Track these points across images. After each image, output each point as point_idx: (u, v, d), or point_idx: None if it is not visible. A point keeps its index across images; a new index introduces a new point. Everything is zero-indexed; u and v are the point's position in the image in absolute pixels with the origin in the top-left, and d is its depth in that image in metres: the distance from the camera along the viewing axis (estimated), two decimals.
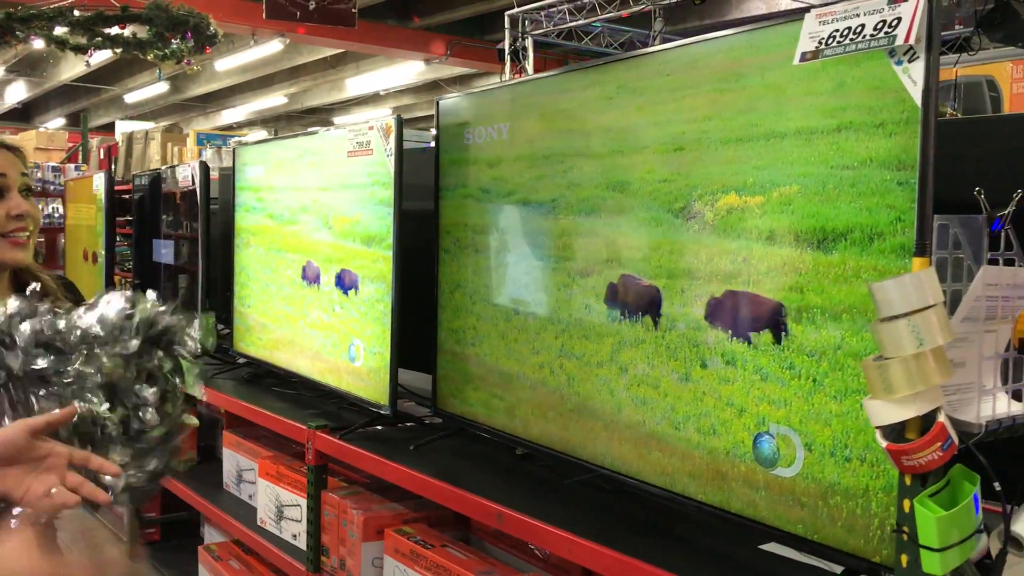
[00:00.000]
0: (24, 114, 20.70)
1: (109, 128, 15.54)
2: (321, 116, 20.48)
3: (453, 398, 2.58)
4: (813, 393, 1.58)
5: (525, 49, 8.49)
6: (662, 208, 1.87)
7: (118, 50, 6.76)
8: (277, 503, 3.12)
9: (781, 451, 1.64)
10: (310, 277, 3.20)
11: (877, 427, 1.35)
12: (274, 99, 18.87)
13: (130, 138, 10.59)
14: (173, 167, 4.52)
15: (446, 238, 2.60)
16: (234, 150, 3.93)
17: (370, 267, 2.79)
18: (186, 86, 17.66)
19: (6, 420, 1.32)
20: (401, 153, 2.64)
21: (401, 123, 2.63)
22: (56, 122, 20.23)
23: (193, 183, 4.01)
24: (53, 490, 1.26)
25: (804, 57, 1.58)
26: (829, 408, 1.55)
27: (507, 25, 8.63)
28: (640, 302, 1.92)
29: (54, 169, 8.07)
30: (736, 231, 1.71)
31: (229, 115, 20.90)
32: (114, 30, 6.47)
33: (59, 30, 6.48)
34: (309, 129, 3.27)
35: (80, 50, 6.66)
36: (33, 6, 6.40)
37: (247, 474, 3.48)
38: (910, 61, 1.42)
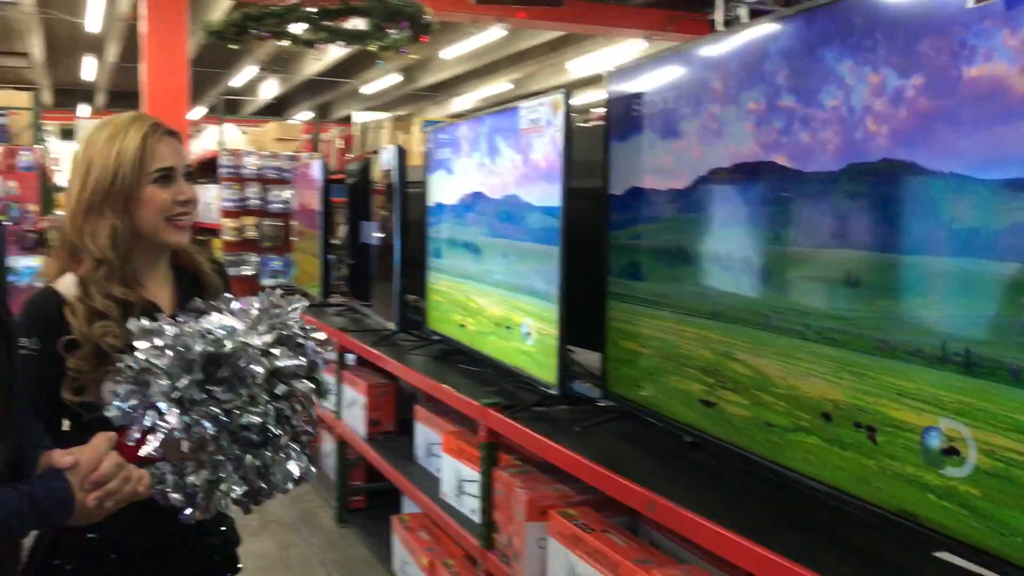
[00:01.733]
0: (276, 109, 22.51)
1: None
2: None
3: (622, 380, 2.50)
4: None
5: (739, 19, 8.13)
6: None
7: (341, 43, 7.16)
8: (458, 477, 3.18)
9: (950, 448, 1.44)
10: (483, 252, 3.23)
11: None
12: (500, 85, 19.26)
13: (364, 128, 11.24)
14: (380, 153, 4.71)
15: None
16: (429, 132, 4.02)
17: (538, 245, 2.75)
18: (417, 76, 18.43)
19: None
20: (569, 129, 2.58)
21: (568, 97, 2.56)
22: (305, 115, 21.82)
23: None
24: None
25: None
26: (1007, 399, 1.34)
27: None
28: None
29: (290, 158, 8.67)
30: None
31: (458, 103, 21.61)
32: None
33: (291, 28, 6.94)
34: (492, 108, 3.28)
35: (309, 44, 7.11)
36: (264, 5, 6.91)
37: (435, 448, 3.57)
38: None
